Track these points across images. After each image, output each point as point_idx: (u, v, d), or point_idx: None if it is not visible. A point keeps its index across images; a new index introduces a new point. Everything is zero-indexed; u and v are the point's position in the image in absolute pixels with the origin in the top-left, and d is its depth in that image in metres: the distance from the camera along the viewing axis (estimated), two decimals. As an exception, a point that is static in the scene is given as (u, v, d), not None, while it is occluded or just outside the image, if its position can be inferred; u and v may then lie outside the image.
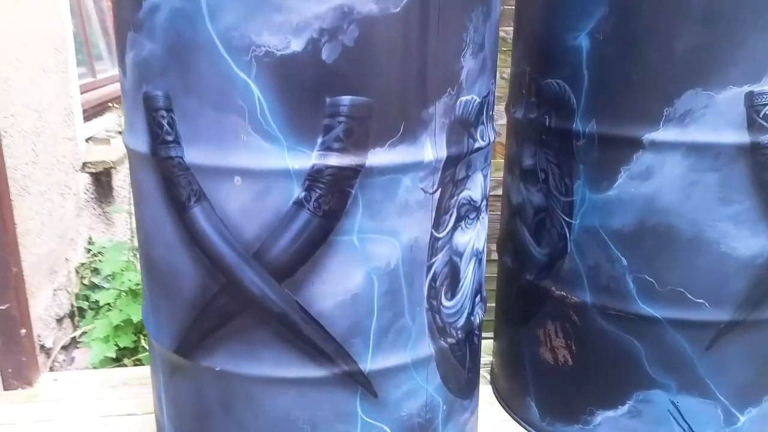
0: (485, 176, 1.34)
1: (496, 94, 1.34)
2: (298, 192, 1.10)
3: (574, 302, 1.53)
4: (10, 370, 1.90)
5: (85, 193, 3.24)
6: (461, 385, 1.40)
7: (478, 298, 1.41)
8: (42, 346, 2.63)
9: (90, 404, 1.87)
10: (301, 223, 1.12)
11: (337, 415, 1.24)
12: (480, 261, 1.39)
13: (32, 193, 2.56)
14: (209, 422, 1.30)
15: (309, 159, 1.08)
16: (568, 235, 1.51)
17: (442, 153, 1.17)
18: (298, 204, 1.10)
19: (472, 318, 1.38)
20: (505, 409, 1.83)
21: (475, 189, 1.29)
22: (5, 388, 1.92)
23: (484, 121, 1.28)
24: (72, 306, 3.10)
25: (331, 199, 1.11)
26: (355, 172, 1.10)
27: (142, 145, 1.19)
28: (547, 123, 1.51)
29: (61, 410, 1.85)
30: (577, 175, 1.46)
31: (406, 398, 1.28)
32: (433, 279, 1.25)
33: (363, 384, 1.23)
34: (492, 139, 1.32)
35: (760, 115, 1.30)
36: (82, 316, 3.13)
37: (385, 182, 1.13)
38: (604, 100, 1.39)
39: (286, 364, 1.20)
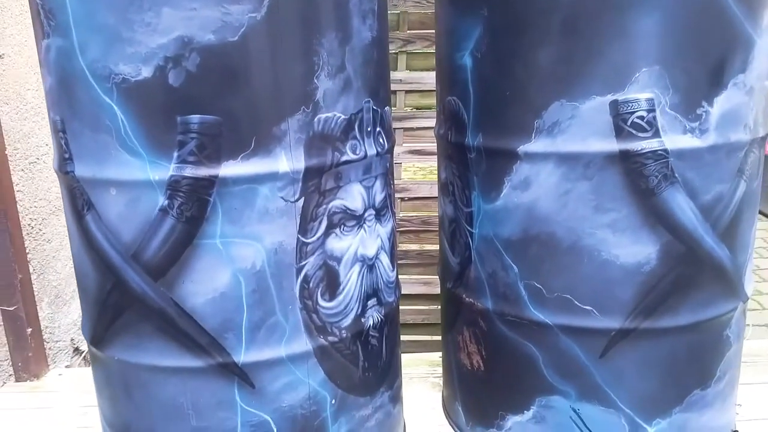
0: (368, 187, 1.43)
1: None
2: (162, 200, 1.25)
3: (479, 309, 1.58)
4: (19, 364, 2.17)
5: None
6: (354, 382, 1.49)
7: (372, 302, 1.50)
8: (77, 349, 2.93)
9: (79, 396, 2.10)
10: (167, 228, 1.27)
11: (217, 403, 1.37)
12: (371, 267, 1.48)
13: (70, 213, 2.89)
14: (117, 405, 1.47)
15: (167, 171, 1.23)
16: (471, 244, 1.57)
17: (300, 165, 1.29)
18: (163, 211, 1.26)
19: (363, 320, 1.47)
20: (444, 414, 1.89)
21: (351, 199, 1.39)
22: (16, 380, 2.20)
23: (358, 136, 1.38)
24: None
25: (191, 207, 1.26)
26: (210, 182, 1.24)
27: (55, 163, 1.39)
28: (449, 138, 1.58)
29: (56, 400, 2.09)
30: (473, 187, 1.52)
31: (285, 390, 1.39)
32: (305, 281, 1.36)
33: (239, 375, 1.35)
34: (371, 153, 1.42)
35: (628, 123, 1.32)
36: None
37: (242, 191, 1.26)
38: (487, 114, 1.46)
39: (169, 354, 1.35)
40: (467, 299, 1.62)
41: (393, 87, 3.13)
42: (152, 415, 1.42)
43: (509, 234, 1.47)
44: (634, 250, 1.38)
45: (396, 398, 1.67)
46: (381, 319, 1.53)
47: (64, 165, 1.34)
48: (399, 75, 3.11)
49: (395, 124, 3.13)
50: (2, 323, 2.15)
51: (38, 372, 2.21)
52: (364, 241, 1.45)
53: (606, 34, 1.28)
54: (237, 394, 1.37)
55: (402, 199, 3.24)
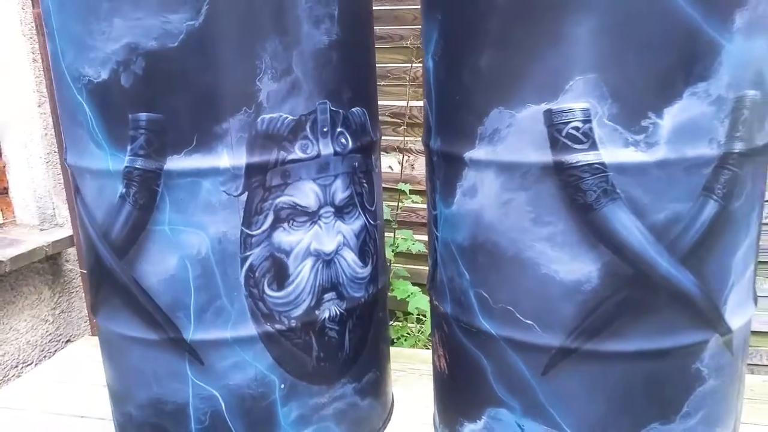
0: (325, 186, 1.49)
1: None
2: (121, 188, 1.41)
3: (442, 312, 1.58)
4: (94, 321, 2.50)
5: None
6: (307, 370, 1.56)
7: (330, 295, 1.56)
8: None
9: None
10: (126, 213, 1.43)
11: (172, 374, 1.52)
12: (329, 262, 1.54)
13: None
14: (109, 368, 1.67)
15: (123, 162, 1.39)
16: (437, 246, 1.57)
17: (240, 162, 1.38)
18: (122, 198, 1.42)
19: (317, 312, 1.54)
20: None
21: (301, 196, 1.46)
22: (92, 334, 2.54)
23: (310, 136, 1.45)
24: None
25: (143, 196, 1.40)
26: (157, 174, 1.38)
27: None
28: (423, 140, 1.59)
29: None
30: (437, 190, 1.52)
31: (233, 370, 1.50)
32: (251, 270, 1.46)
33: (189, 351, 1.49)
34: (327, 152, 1.47)
35: (563, 134, 1.25)
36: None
37: (187, 184, 1.39)
38: (444, 119, 1.45)
39: (135, 326, 1.51)
40: (434, 301, 1.62)
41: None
42: (127, 378, 1.60)
43: (462, 240, 1.45)
44: (573, 267, 1.31)
45: (367, 391, 1.71)
46: (340, 312, 1.58)
47: (64, 154, 1.55)
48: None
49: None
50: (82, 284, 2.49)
51: (110, 330, 2.53)
52: (319, 237, 1.51)
53: (539, 39, 1.22)
54: (188, 368, 1.50)
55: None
